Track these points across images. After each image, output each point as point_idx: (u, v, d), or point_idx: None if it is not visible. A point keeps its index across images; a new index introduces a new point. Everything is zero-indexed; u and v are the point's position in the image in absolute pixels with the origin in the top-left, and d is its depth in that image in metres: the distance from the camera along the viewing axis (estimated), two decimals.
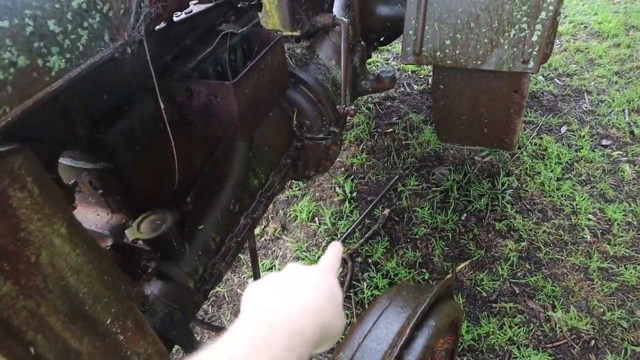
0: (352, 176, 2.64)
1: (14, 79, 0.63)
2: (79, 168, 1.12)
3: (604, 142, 2.69)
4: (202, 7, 1.59)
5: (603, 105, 2.94)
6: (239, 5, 1.66)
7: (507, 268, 2.08)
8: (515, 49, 1.69)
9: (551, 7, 1.60)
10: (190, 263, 1.27)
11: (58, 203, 0.72)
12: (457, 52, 1.73)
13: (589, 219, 2.25)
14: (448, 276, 1.24)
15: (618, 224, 2.22)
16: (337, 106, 1.96)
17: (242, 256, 2.27)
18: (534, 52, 1.67)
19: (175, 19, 1.48)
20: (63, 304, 0.75)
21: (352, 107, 1.94)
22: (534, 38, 1.66)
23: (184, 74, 1.26)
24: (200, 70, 1.29)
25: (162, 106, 1.07)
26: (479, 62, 1.73)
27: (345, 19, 1.96)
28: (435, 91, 2.08)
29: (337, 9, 2.41)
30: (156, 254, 1.20)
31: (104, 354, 0.85)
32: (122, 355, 0.90)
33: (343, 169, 2.71)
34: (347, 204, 2.47)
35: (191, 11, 1.59)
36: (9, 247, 0.65)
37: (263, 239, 2.39)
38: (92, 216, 1.26)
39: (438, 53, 1.74)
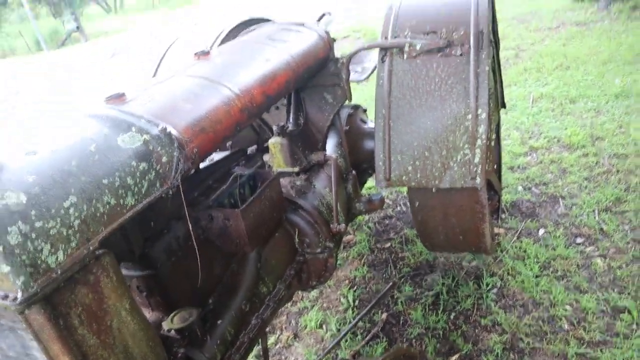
0: (355, 287, 2.98)
1: (108, 211, 1.09)
2: (131, 275, 1.55)
3: (578, 240, 3.02)
4: (221, 155, 2.15)
5: (575, 207, 3.32)
6: (248, 152, 2.21)
7: (492, 359, 2.31)
8: (463, 169, 2.15)
9: (483, 136, 2.09)
10: (211, 350, 1.62)
11: (125, 288, 1.14)
12: (418, 175, 2.19)
13: (566, 310, 2.51)
14: (395, 345, 1.50)
15: (592, 312, 2.46)
16: (331, 225, 2.39)
17: None
18: (478, 171, 2.13)
19: (201, 166, 2.02)
20: (123, 358, 1.13)
21: (343, 225, 2.38)
22: (476, 160, 2.12)
23: (207, 205, 1.74)
24: (219, 202, 1.77)
25: (191, 229, 1.53)
26: (436, 182, 2.18)
27: (333, 156, 2.50)
28: (412, 207, 2.51)
29: (330, 146, 2.97)
30: (184, 342, 1.56)
31: None
32: None
33: (347, 281, 3.06)
34: (350, 311, 2.78)
35: (213, 158, 2.14)
36: (97, 313, 1.06)
37: (277, 346, 2.67)
38: None
39: (403, 177, 2.21)
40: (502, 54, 6.75)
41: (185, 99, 1.51)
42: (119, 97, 1.46)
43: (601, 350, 2.25)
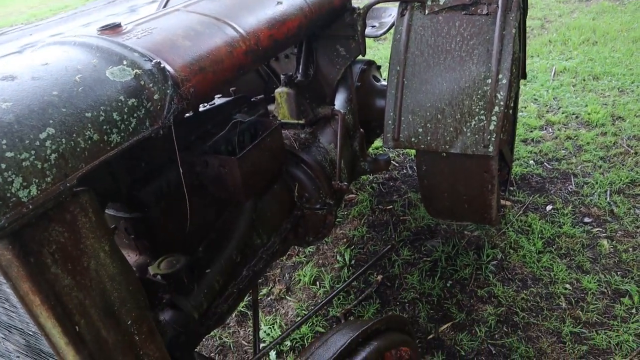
0: (353, 246, 2.94)
1: (90, 147, 1.02)
2: (119, 217, 1.49)
3: (586, 219, 2.94)
4: (223, 100, 2.05)
5: (587, 186, 3.22)
6: (252, 100, 2.11)
7: (485, 330, 2.28)
8: (476, 136, 2.05)
9: (502, 103, 1.97)
10: (197, 298, 1.59)
11: (106, 229, 1.07)
12: (429, 138, 2.09)
13: (566, 288, 2.46)
14: (390, 313, 1.48)
15: (592, 293, 2.41)
16: (333, 182, 2.32)
17: (248, 312, 2.54)
18: (492, 139, 2.02)
19: (200, 109, 1.92)
20: (100, 301, 1.08)
21: (345, 183, 2.30)
22: (491, 127, 2.02)
23: (203, 150, 1.66)
24: (216, 148, 1.69)
25: (182, 173, 1.45)
26: (447, 147, 2.08)
27: (341, 111, 2.39)
28: (420, 171, 2.43)
29: (339, 101, 2.85)
30: (170, 288, 1.52)
31: (124, 348, 1.16)
32: (136, 353, 1.20)
33: (345, 239, 3.01)
34: (345, 270, 2.75)
35: (214, 103, 2.05)
36: (72, 253, 1.00)
37: (269, 298, 2.67)
38: None
39: (413, 139, 2.11)
40: (527, 23, 6.45)
41: (185, 36, 1.41)
42: (113, 28, 1.36)
43: (597, 332, 2.22)
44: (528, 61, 5.40)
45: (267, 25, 1.66)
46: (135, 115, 1.14)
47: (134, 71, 1.17)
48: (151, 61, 1.21)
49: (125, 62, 1.18)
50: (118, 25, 1.38)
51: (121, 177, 1.38)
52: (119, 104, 1.10)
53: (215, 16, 1.56)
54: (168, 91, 1.22)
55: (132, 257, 1.59)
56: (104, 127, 1.06)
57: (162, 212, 1.53)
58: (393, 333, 1.33)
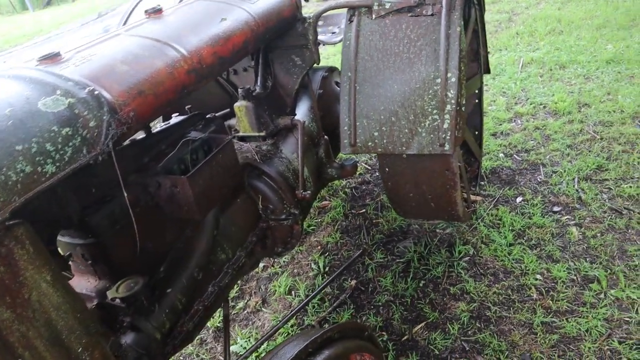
0: (327, 253, 2.96)
1: (22, 180, 1.02)
2: (74, 243, 1.50)
3: (555, 208, 2.99)
4: (178, 119, 2.06)
5: (555, 175, 3.27)
6: (207, 116, 2.12)
7: (458, 327, 2.30)
8: (432, 136, 2.08)
9: (453, 101, 2.01)
10: (159, 319, 1.59)
11: (46, 259, 1.08)
12: (385, 141, 2.12)
13: (536, 279, 2.49)
14: (344, 321, 1.50)
15: (562, 281, 2.45)
16: (296, 191, 2.33)
17: None
18: (447, 137, 2.05)
19: (153, 130, 1.93)
20: (46, 332, 1.09)
21: (309, 192, 2.32)
22: (445, 126, 2.05)
23: (155, 171, 1.67)
24: (168, 168, 1.70)
25: (126, 196, 1.46)
26: (403, 148, 2.11)
27: (301, 120, 2.41)
28: (382, 174, 2.45)
29: (302, 111, 2.87)
30: (130, 310, 1.53)
31: None
32: None
33: (319, 247, 3.03)
34: (320, 278, 2.76)
35: (169, 122, 2.06)
36: (10, 286, 1.01)
37: (245, 311, 2.67)
38: (84, 283, 1.61)
39: (369, 143, 2.14)
40: (494, 18, 6.58)
41: (124, 60, 1.42)
42: (52, 57, 1.37)
43: (567, 320, 2.25)
44: (496, 55, 5.50)
45: (211, 42, 1.68)
46: (70, 144, 1.15)
47: (67, 100, 1.18)
48: (85, 89, 1.22)
49: (58, 92, 1.19)
50: (57, 55, 1.39)
51: (70, 205, 1.39)
52: (52, 134, 1.11)
53: (156, 38, 1.58)
54: (104, 117, 1.23)
55: (92, 283, 1.59)
56: (37, 158, 1.07)
57: (116, 236, 1.54)
58: (348, 340, 1.34)
